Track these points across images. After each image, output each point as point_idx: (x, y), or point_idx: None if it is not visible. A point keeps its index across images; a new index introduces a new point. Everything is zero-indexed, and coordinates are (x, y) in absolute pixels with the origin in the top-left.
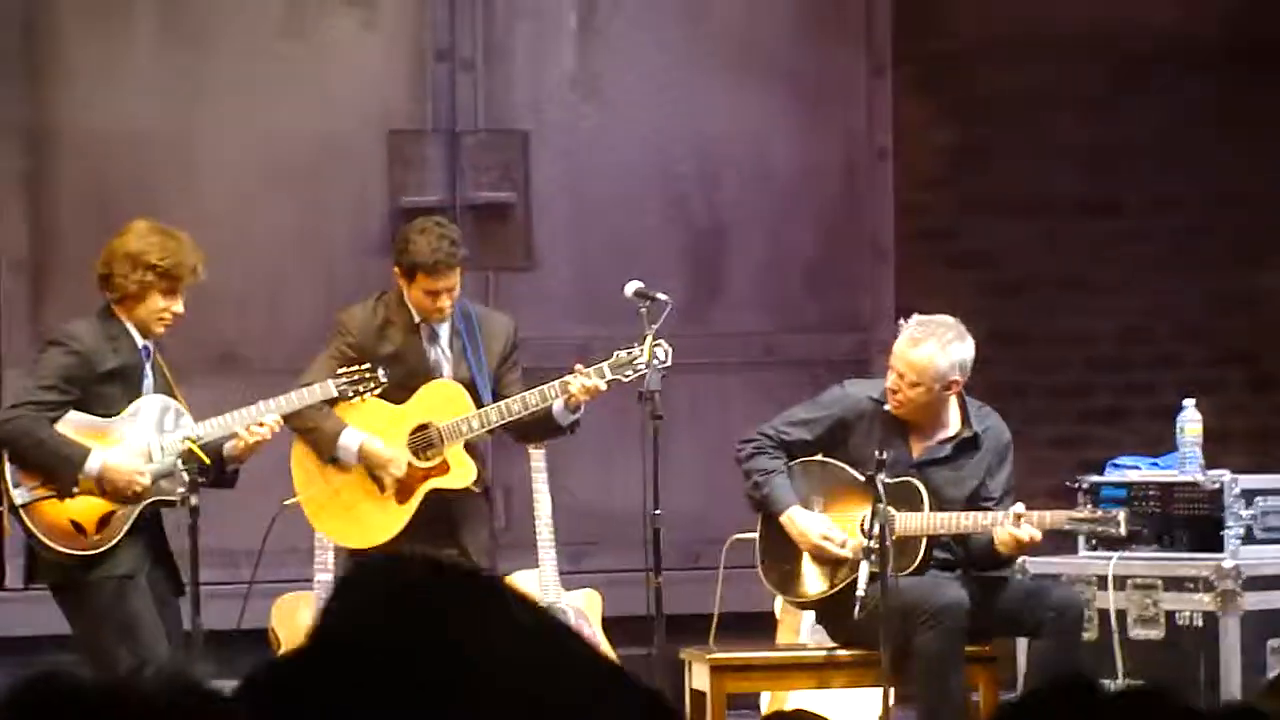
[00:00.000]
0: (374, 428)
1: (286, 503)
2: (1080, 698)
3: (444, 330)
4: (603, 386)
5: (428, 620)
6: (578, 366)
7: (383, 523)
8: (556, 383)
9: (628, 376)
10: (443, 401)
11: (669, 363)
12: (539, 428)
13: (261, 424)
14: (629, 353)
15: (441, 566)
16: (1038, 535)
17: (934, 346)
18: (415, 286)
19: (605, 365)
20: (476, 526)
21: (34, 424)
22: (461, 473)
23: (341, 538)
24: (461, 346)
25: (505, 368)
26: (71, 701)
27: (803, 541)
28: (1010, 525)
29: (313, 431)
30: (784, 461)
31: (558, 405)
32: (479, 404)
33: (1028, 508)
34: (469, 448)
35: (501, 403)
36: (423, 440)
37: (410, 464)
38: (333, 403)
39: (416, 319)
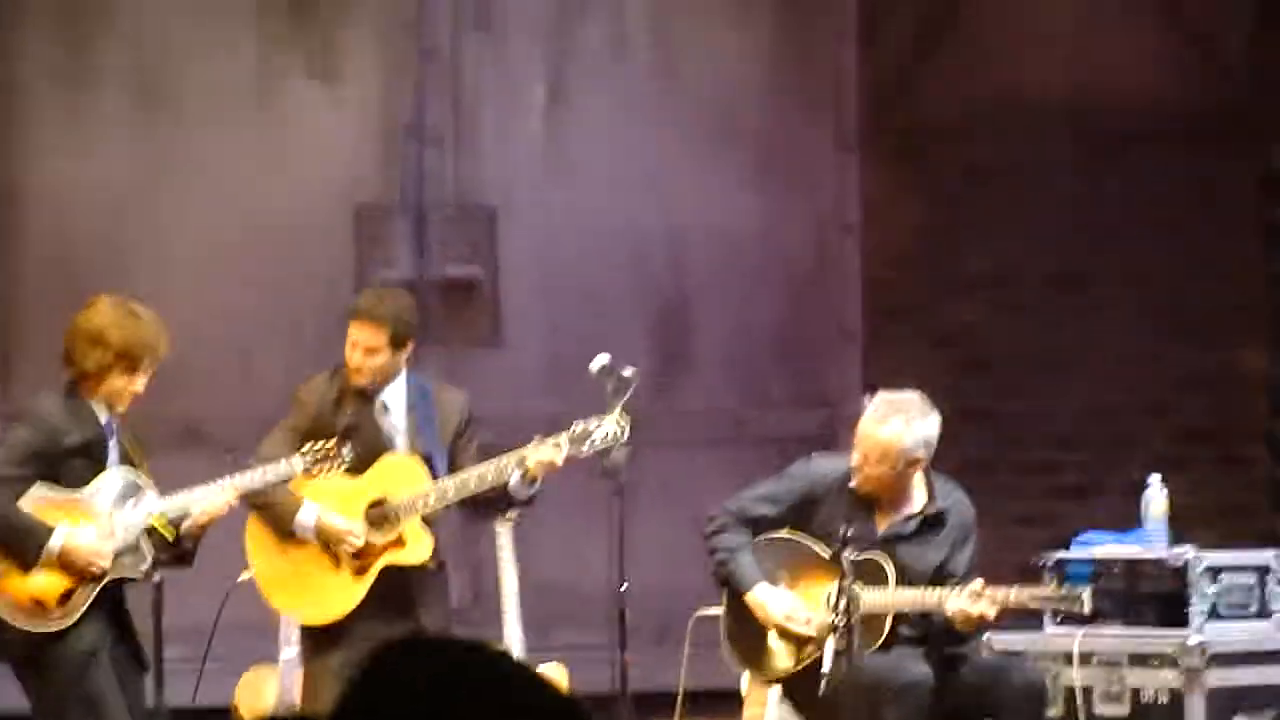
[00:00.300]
0: (330, 501)
1: (240, 579)
2: None
3: (398, 403)
4: (559, 460)
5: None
6: (536, 438)
7: (338, 598)
8: (512, 456)
9: (584, 450)
10: (399, 476)
11: (624, 438)
12: (495, 503)
13: (215, 500)
14: (585, 425)
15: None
16: (990, 612)
17: (899, 424)
18: (347, 337)
19: (563, 437)
20: (433, 602)
21: None
22: (418, 548)
23: (297, 613)
24: (416, 421)
25: (461, 442)
26: None
27: (767, 621)
28: (966, 601)
29: (270, 507)
30: (749, 538)
31: (514, 480)
32: (434, 477)
33: (995, 584)
34: (425, 522)
35: (457, 477)
36: (379, 515)
37: (366, 539)
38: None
39: (370, 391)
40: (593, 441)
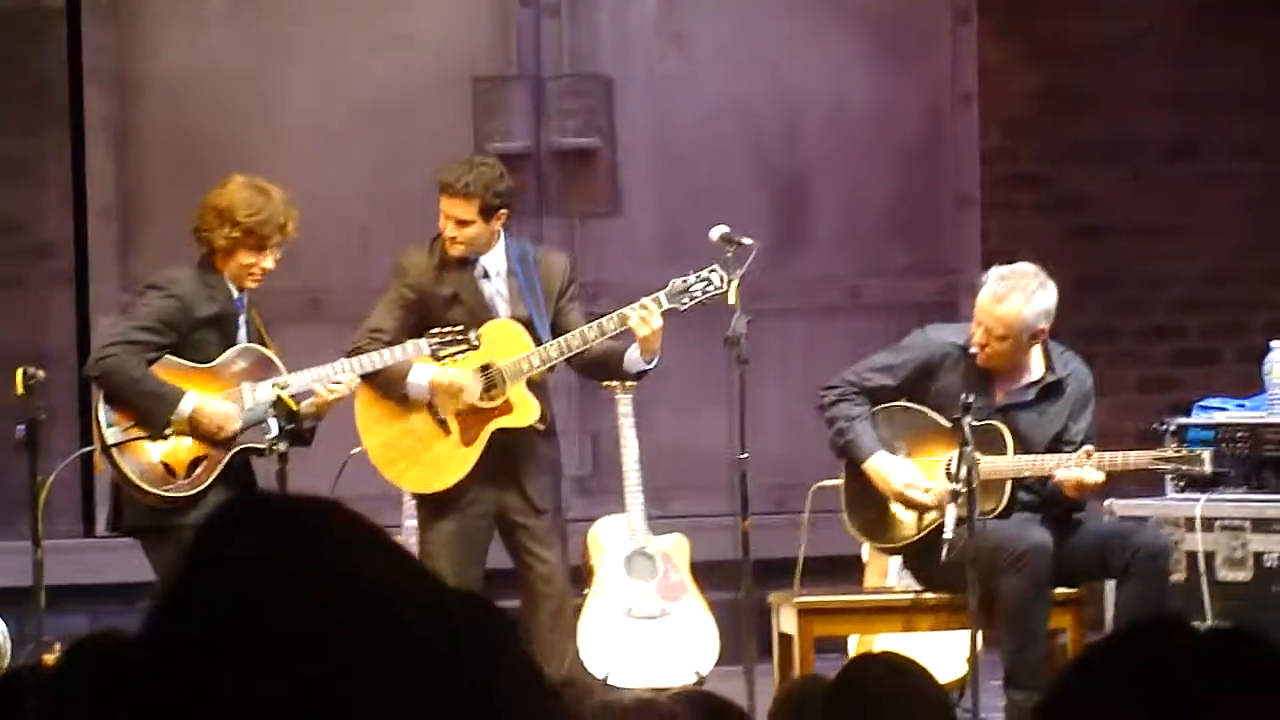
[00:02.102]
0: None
1: (353, 451)
2: (1169, 637)
3: (499, 268)
4: (657, 315)
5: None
6: (643, 301)
7: (451, 465)
8: (615, 314)
9: (684, 304)
10: (503, 341)
11: (724, 288)
12: (605, 367)
13: (338, 381)
14: (684, 280)
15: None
16: (1099, 478)
17: (1019, 299)
18: (439, 208)
19: (661, 294)
20: (538, 469)
21: (129, 363)
22: (525, 411)
23: (410, 483)
24: (518, 285)
25: (563, 303)
26: (120, 661)
27: (886, 489)
28: (1074, 467)
29: (379, 372)
30: (867, 408)
31: (632, 354)
32: (538, 342)
33: (1116, 449)
34: (533, 386)
35: (561, 339)
36: (486, 380)
37: (474, 404)
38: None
39: (471, 258)
40: (691, 294)
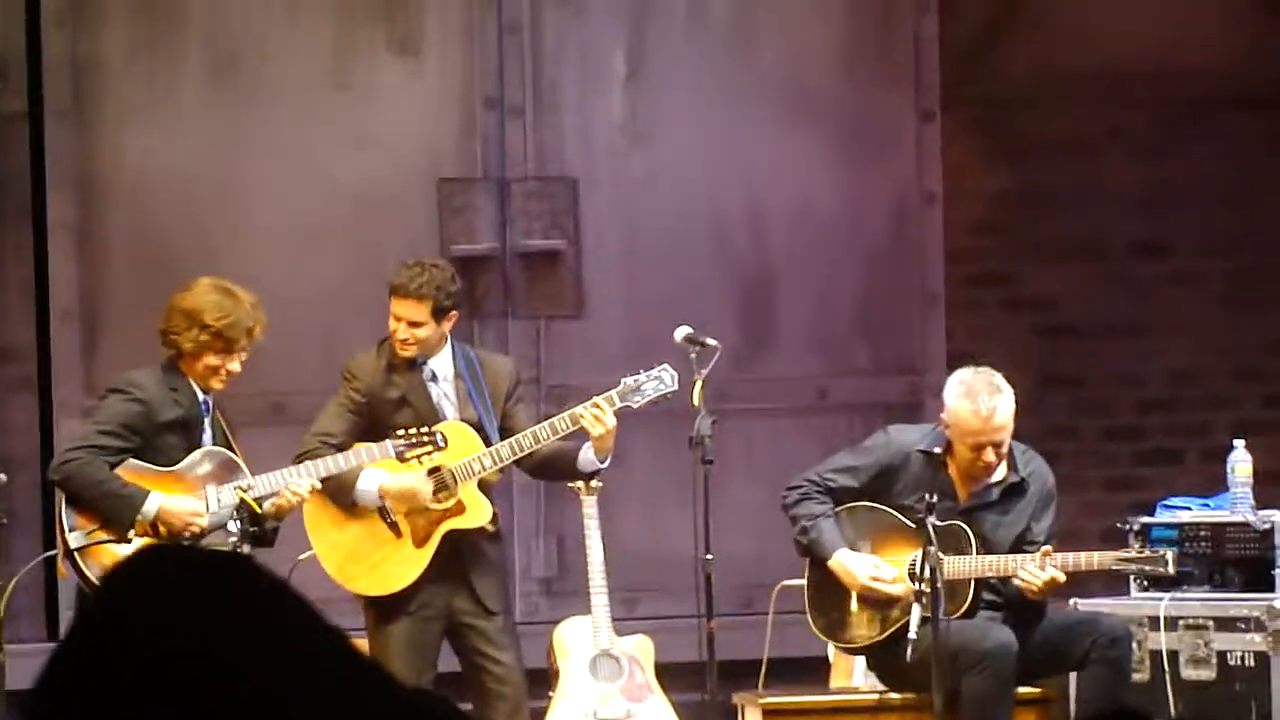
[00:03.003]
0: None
1: (301, 557)
2: None
3: (445, 372)
4: (611, 421)
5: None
6: (595, 399)
7: (402, 567)
8: (567, 414)
9: (636, 402)
10: (453, 442)
11: (674, 387)
12: (558, 469)
13: (299, 485)
14: (635, 379)
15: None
16: (1060, 577)
17: (1005, 404)
18: (390, 311)
19: (614, 393)
20: (488, 571)
21: (91, 465)
22: (478, 511)
23: (362, 587)
24: (465, 389)
25: (510, 405)
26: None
27: (852, 583)
28: (1033, 567)
29: (329, 480)
30: (830, 507)
31: (585, 453)
32: (488, 443)
33: (1080, 549)
34: (483, 489)
35: (514, 438)
36: (437, 482)
37: (427, 506)
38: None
39: (419, 361)
40: (643, 393)
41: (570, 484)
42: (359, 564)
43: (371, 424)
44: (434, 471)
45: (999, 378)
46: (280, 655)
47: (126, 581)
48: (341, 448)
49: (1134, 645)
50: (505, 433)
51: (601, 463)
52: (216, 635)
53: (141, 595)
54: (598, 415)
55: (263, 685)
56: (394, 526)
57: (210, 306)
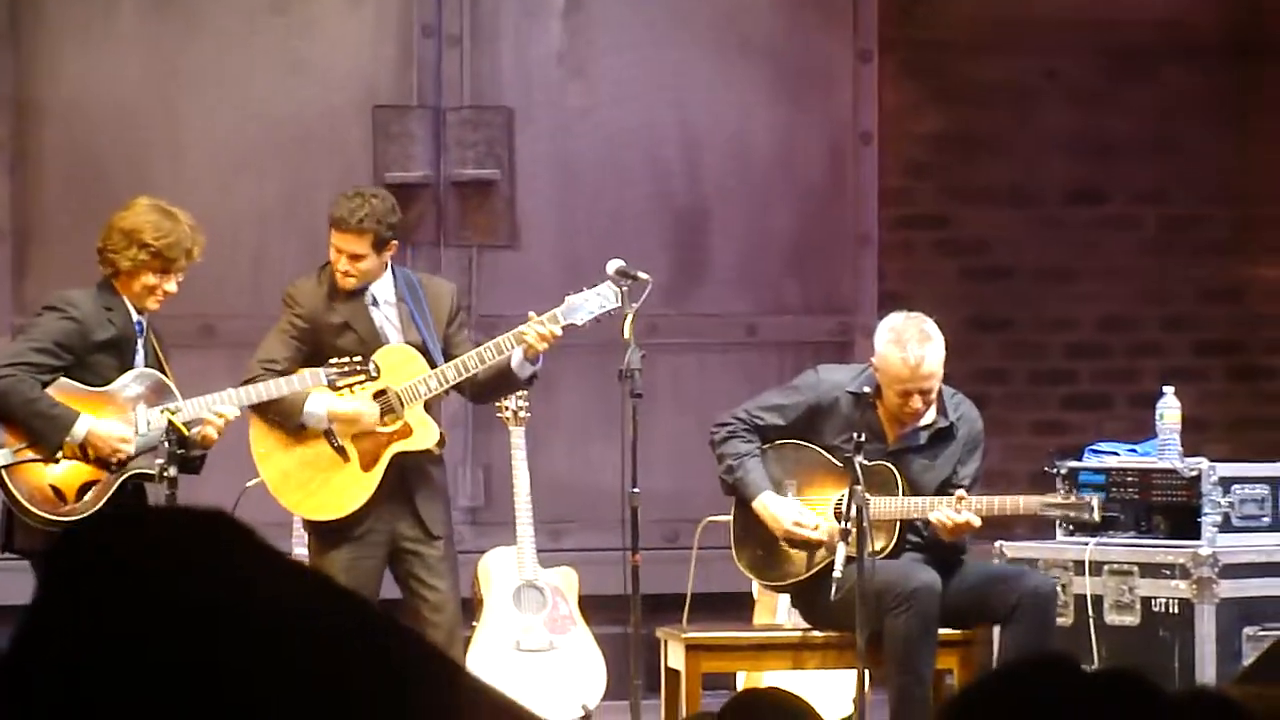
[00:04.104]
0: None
1: (249, 484)
2: (1055, 676)
3: (387, 296)
4: (558, 331)
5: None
6: (531, 314)
7: (350, 491)
8: (511, 334)
9: (581, 321)
10: (397, 365)
11: (616, 304)
12: (498, 384)
13: (223, 411)
14: (579, 295)
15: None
16: (975, 521)
17: (935, 352)
18: (330, 243)
19: (558, 310)
20: (432, 495)
21: (23, 384)
22: (425, 433)
23: (309, 510)
24: (408, 312)
25: (453, 329)
26: None
27: (775, 527)
28: (949, 510)
29: (276, 404)
30: (757, 445)
31: (516, 357)
32: (432, 366)
33: (1007, 492)
34: (430, 411)
35: (458, 359)
36: (383, 405)
37: (374, 431)
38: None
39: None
40: (587, 309)
41: (499, 413)
42: (306, 488)
43: (315, 349)
44: (380, 395)
45: (930, 324)
46: (273, 614)
47: (81, 550)
48: (286, 373)
49: (1058, 597)
50: (448, 355)
51: (534, 364)
52: (196, 596)
53: (100, 563)
54: (543, 334)
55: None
56: (341, 451)
57: (149, 226)
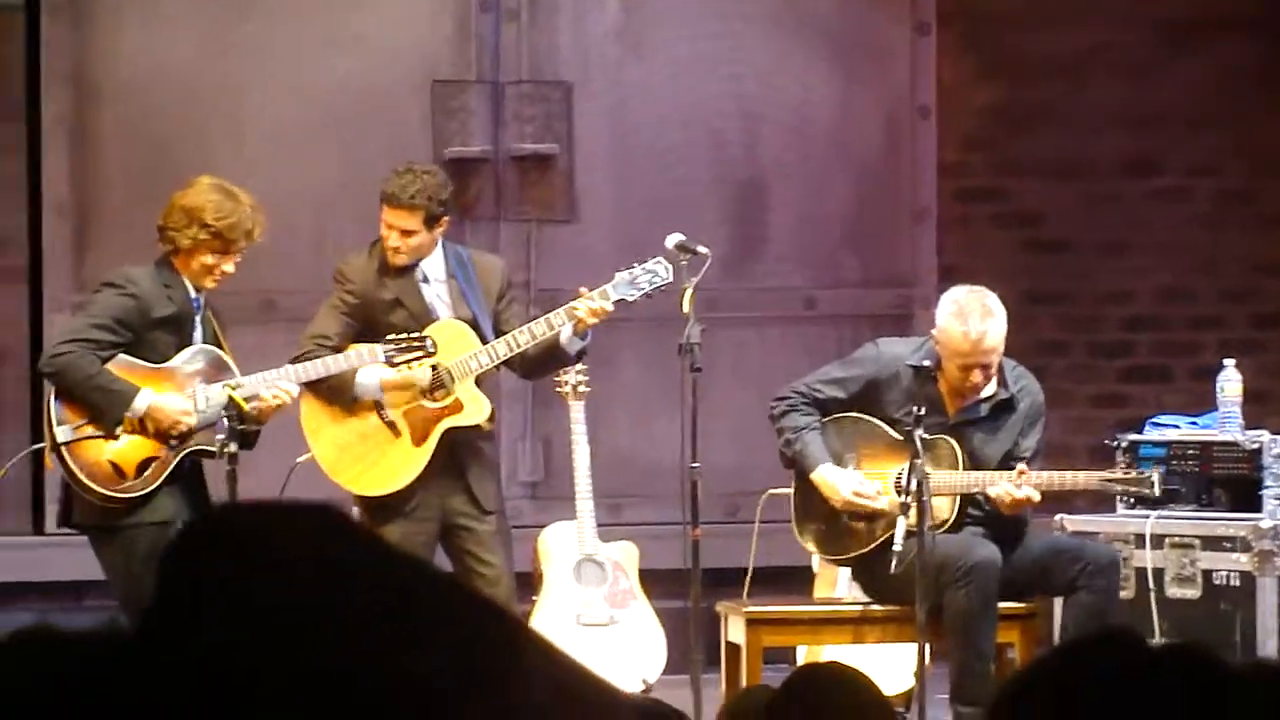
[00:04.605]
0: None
1: (300, 459)
2: (1119, 650)
3: (438, 273)
4: (609, 306)
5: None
6: (581, 290)
7: (401, 466)
8: (562, 309)
9: (632, 296)
10: (449, 341)
11: (669, 278)
12: (547, 360)
13: (283, 388)
14: (631, 272)
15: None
16: (1035, 496)
17: (997, 328)
18: (381, 218)
19: (608, 286)
20: (484, 471)
21: (83, 359)
22: (476, 408)
23: (362, 486)
24: (459, 288)
25: (503, 305)
26: (57, 656)
27: (834, 498)
28: (1009, 484)
29: (327, 380)
30: (817, 418)
31: (565, 332)
32: (483, 341)
33: (1067, 465)
34: (480, 386)
35: (509, 335)
36: (434, 380)
37: (424, 405)
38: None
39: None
40: (638, 286)
41: (559, 388)
42: (358, 463)
43: (366, 325)
44: (431, 370)
45: (993, 299)
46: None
47: (205, 544)
48: (338, 349)
49: (1121, 570)
50: (498, 331)
51: (583, 339)
52: (313, 587)
53: (223, 556)
54: (595, 309)
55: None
56: (392, 425)
57: (211, 206)
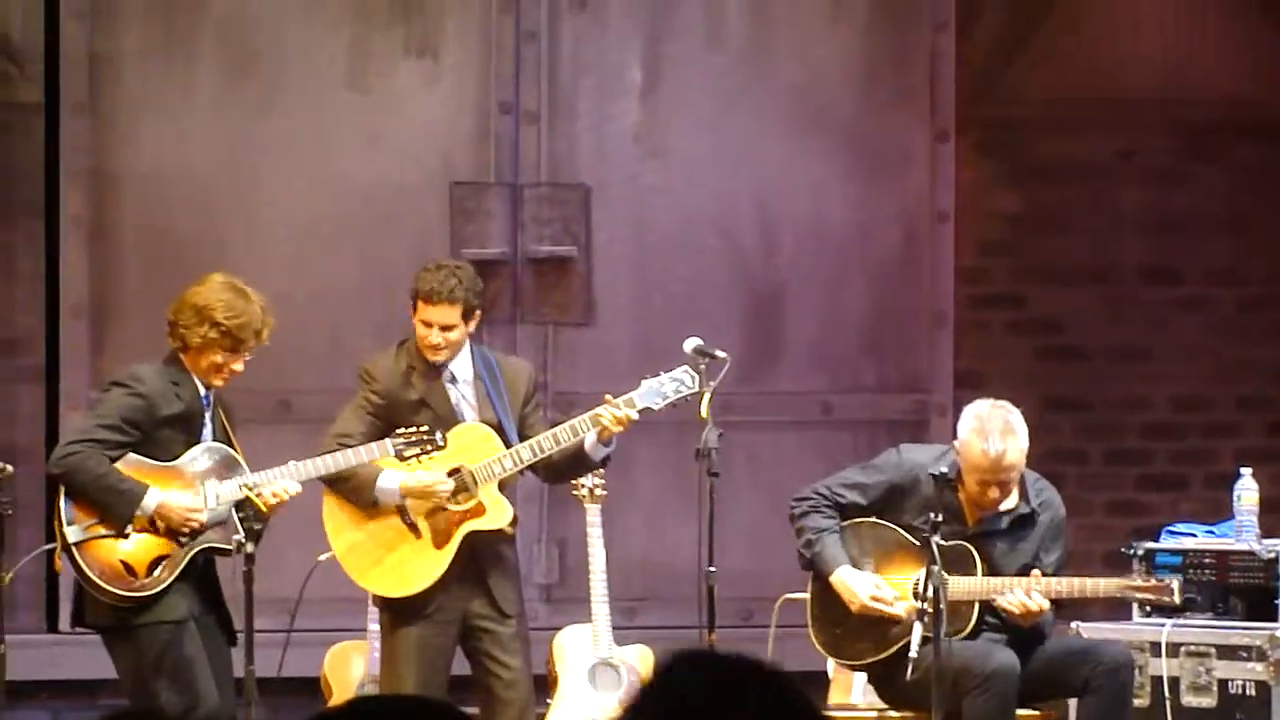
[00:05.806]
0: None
1: (321, 558)
2: None
3: (465, 374)
4: (634, 415)
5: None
6: (607, 397)
7: (423, 568)
8: (587, 415)
9: (658, 405)
10: (473, 444)
11: (695, 388)
12: (572, 465)
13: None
14: (656, 380)
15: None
16: (1045, 605)
17: (1017, 445)
18: (416, 317)
19: (634, 395)
20: (504, 574)
21: (91, 459)
22: (499, 513)
23: (381, 587)
24: (485, 391)
25: (528, 409)
26: None
27: (853, 601)
28: (1018, 595)
29: (348, 479)
30: (837, 521)
31: (590, 439)
32: (507, 445)
33: (1082, 572)
34: (503, 490)
35: (533, 440)
36: (457, 483)
37: (446, 509)
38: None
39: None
40: (664, 395)
41: (575, 491)
42: (379, 564)
43: (390, 425)
44: (454, 472)
45: (1015, 416)
46: None
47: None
48: None
49: (1135, 672)
50: (523, 436)
51: (608, 446)
52: None
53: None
54: (619, 417)
55: None
56: (413, 527)
57: (222, 305)
